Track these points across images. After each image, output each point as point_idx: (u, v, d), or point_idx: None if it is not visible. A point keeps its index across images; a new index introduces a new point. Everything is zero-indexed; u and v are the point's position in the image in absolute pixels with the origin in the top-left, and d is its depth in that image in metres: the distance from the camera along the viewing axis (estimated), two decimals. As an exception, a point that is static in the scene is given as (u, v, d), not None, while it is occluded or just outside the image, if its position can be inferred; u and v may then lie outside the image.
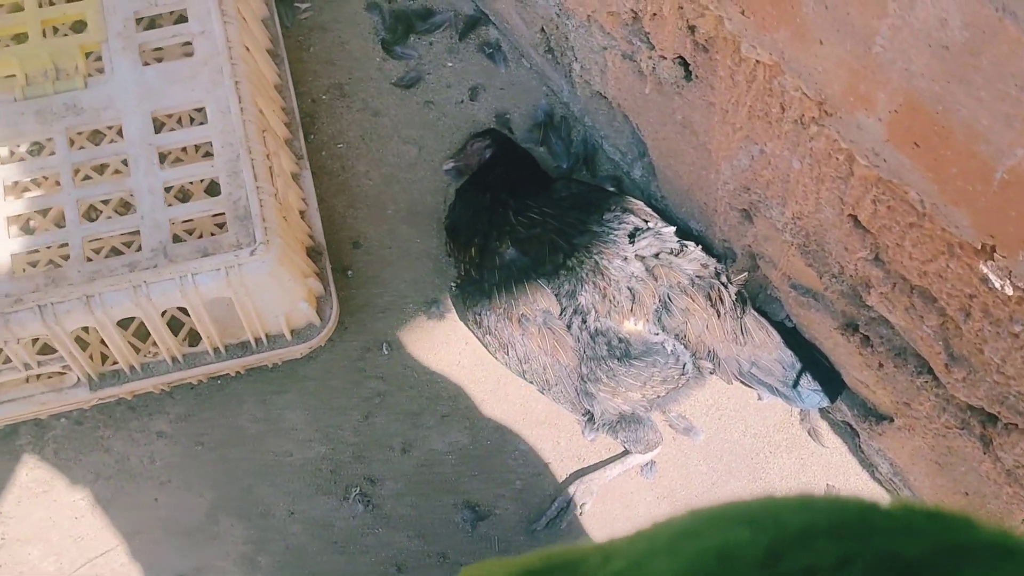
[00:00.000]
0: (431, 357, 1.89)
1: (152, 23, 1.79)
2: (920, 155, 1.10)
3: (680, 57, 1.49)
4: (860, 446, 1.80)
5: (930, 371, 1.45)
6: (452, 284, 1.93)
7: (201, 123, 1.54)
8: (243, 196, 1.47)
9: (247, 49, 1.61)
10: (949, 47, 0.95)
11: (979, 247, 1.12)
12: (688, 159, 1.68)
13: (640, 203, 1.85)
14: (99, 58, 1.57)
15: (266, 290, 1.50)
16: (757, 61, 1.28)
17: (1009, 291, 1.12)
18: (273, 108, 1.68)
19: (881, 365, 1.55)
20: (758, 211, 1.58)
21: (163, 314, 1.51)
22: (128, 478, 1.79)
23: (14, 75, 1.54)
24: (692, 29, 1.39)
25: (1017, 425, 1.32)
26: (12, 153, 1.75)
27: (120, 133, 1.52)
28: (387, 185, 2.00)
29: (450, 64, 2.08)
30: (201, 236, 1.73)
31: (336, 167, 1.99)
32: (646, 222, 1.79)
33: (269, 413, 1.83)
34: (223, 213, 1.49)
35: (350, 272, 1.91)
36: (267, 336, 1.63)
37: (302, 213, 1.72)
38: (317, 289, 1.62)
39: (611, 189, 1.96)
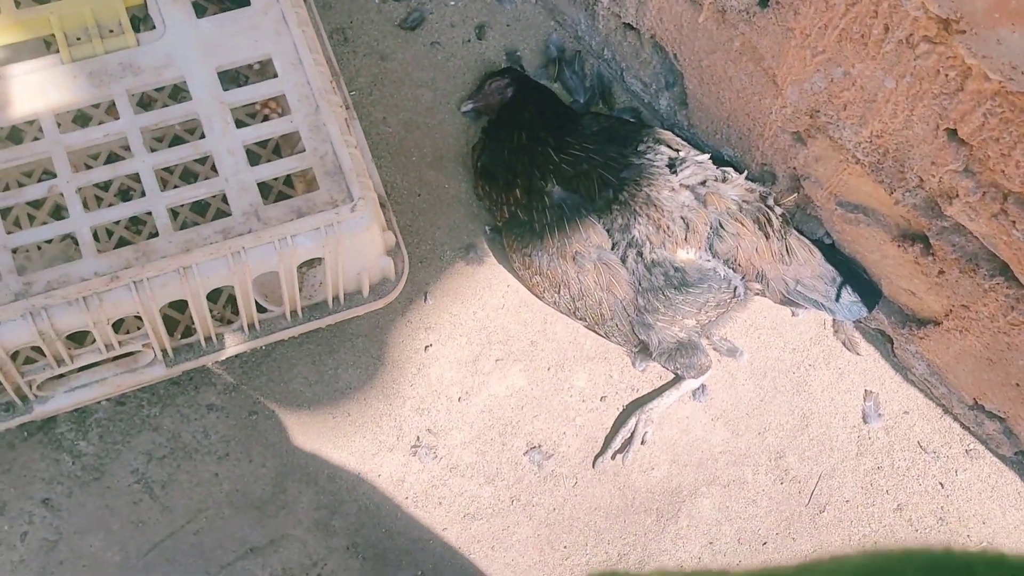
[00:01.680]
0: (475, 303, 1.87)
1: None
2: (1069, 66, 1.15)
3: (757, -17, 1.50)
4: (894, 351, 1.90)
5: (1004, 273, 1.53)
6: (487, 228, 1.90)
7: (271, 76, 1.45)
8: (329, 151, 1.41)
9: (296, -4, 1.52)
10: None
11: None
12: (737, 85, 1.70)
13: (669, 133, 1.86)
14: (146, 13, 1.46)
15: (359, 247, 1.44)
16: (869, -16, 1.30)
17: None
18: (322, 56, 1.60)
19: (942, 272, 1.63)
20: (819, 132, 1.62)
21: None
22: (184, 455, 1.71)
23: (54, 35, 1.41)
24: (785, -46, 1.40)
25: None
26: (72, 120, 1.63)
27: (186, 91, 1.42)
28: (407, 131, 1.94)
29: (452, 2, 2.03)
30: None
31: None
32: (678, 151, 1.81)
33: (322, 374, 1.78)
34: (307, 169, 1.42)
35: (383, 223, 1.86)
36: (344, 294, 1.57)
37: (358, 165, 1.66)
38: (390, 240, 1.57)
39: (634, 121, 1.97)
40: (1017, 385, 1.69)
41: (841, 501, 1.83)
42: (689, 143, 1.87)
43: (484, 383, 1.82)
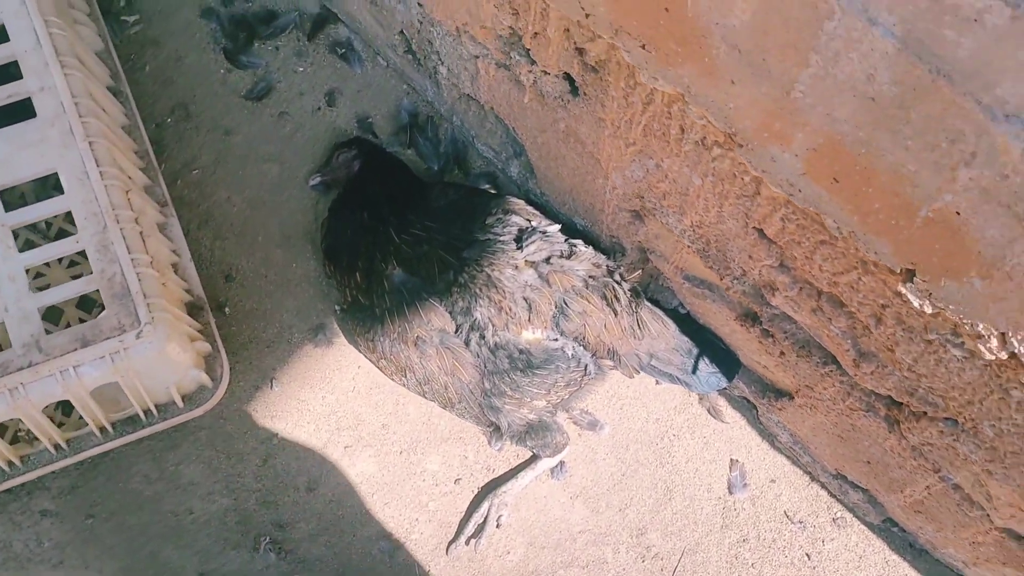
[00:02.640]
0: (325, 387, 1.82)
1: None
2: (839, 189, 1.09)
3: (566, 73, 1.44)
4: (759, 419, 1.85)
5: (836, 362, 1.48)
6: (337, 308, 1.85)
7: (54, 193, 1.40)
8: (118, 271, 1.35)
9: (92, 97, 1.46)
10: (876, 99, 0.94)
11: (898, 271, 1.13)
12: (572, 164, 1.65)
13: (521, 202, 1.80)
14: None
15: (155, 368, 1.39)
16: (655, 89, 1.24)
17: (928, 309, 1.14)
18: (128, 156, 1.54)
19: (783, 354, 1.58)
20: (651, 215, 1.57)
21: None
22: (16, 567, 1.67)
23: None
24: (581, 51, 1.34)
25: (927, 413, 1.37)
26: None
27: (-38, 214, 1.37)
28: (253, 210, 1.88)
29: (301, 69, 1.96)
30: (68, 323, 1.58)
31: (194, 196, 1.86)
32: (529, 221, 1.76)
33: (163, 471, 1.73)
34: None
35: (227, 309, 1.81)
36: (157, 407, 1.52)
37: (175, 266, 1.60)
38: (204, 349, 1.52)
39: (488, 188, 1.91)
40: (868, 462, 1.64)
41: (705, 577, 1.79)
42: (543, 211, 1.81)
43: (332, 471, 1.78)
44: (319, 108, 1.95)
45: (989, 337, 1.09)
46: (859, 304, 1.28)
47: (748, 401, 1.85)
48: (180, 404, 1.55)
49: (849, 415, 1.55)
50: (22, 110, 1.43)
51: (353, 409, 1.81)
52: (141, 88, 1.90)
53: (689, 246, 1.53)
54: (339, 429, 1.80)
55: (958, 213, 0.97)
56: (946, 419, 1.34)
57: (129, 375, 1.36)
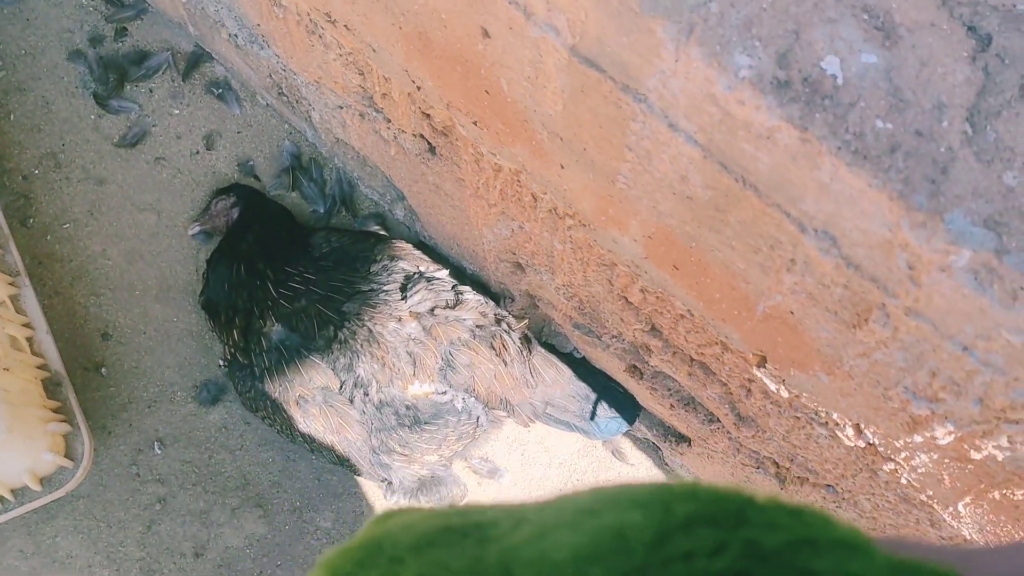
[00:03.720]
0: (211, 446, 1.75)
1: None
2: (681, 276, 1.03)
3: (420, 133, 1.36)
4: (664, 460, 1.79)
5: (721, 421, 1.42)
6: (221, 362, 1.77)
7: None
8: (-53, 364, 1.27)
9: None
10: (693, 199, 0.88)
11: (750, 355, 1.07)
12: (448, 215, 1.57)
13: (408, 246, 1.73)
14: None
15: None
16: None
17: (784, 394, 1.08)
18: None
19: (672, 407, 1.52)
20: (528, 269, 1.50)
21: None
22: None
23: None
24: (427, 115, 1.26)
25: (808, 478, 1.31)
26: None
27: None
28: (130, 263, 1.80)
29: (177, 111, 1.87)
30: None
31: (67, 251, 1.78)
32: (417, 267, 1.68)
33: (39, 545, 1.66)
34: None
35: (104, 369, 1.73)
36: (13, 491, 1.45)
37: (30, 340, 1.52)
38: (62, 429, 1.44)
39: (378, 230, 1.83)
40: (769, 511, 1.58)
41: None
42: (432, 255, 1.74)
43: (220, 535, 1.71)
44: (198, 152, 1.86)
45: (845, 425, 1.03)
46: (727, 375, 1.22)
47: (652, 443, 1.79)
48: (37, 488, 1.48)
49: (742, 469, 1.50)
50: None
51: (241, 468, 1.74)
52: (7, 137, 1.80)
53: (566, 303, 1.46)
54: (226, 490, 1.73)
55: (792, 312, 0.91)
56: (827, 486, 1.28)
57: (-32, 472, 1.29)
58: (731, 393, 1.27)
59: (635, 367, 1.53)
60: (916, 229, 0.69)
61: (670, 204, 0.91)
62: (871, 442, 1.02)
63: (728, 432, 1.42)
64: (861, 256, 0.76)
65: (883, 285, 0.76)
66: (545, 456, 1.80)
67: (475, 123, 1.10)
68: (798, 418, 1.15)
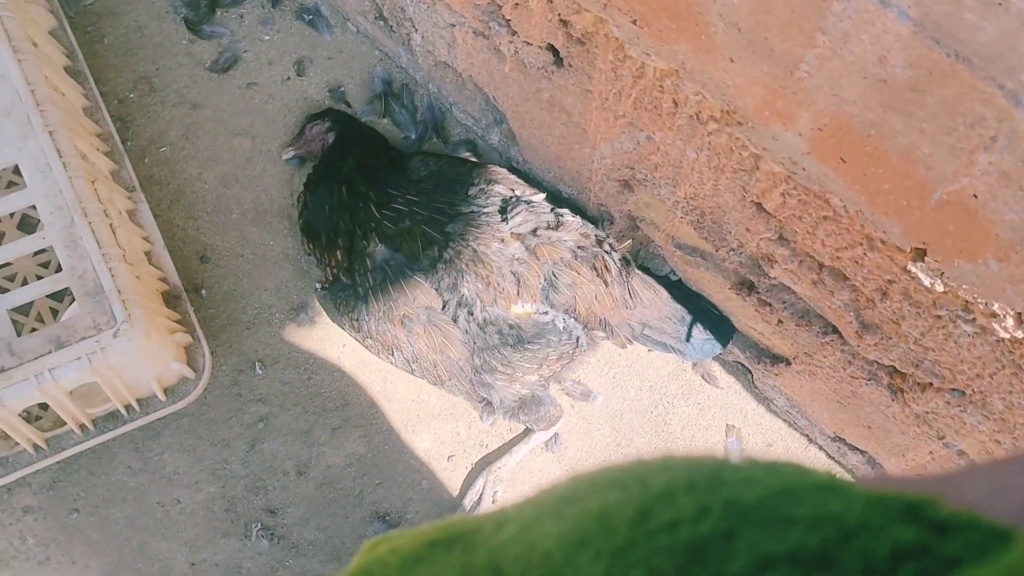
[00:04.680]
0: (309, 368, 1.77)
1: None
2: (847, 169, 1.04)
3: (549, 44, 1.37)
4: (754, 383, 1.82)
5: (836, 331, 1.44)
6: (318, 285, 1.79)
7: (16, 186, 1.33)
8: (89, 267, 1.29)
9: (49, 81, 1.38)
10: (888, 81, 0.89)
11: (908, 250, 1.09)
12: (557, 133, 1.58)
13: (503, 171, 1.74)
14: None
15: (134, 364, 1.33)
16: (646, 63, 1.18)
17: (940, 288, 1.10)
18: (91, 141, 1.47)
19: (781, 323, 1.54)
20: (642, 185, 1.51)
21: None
22: (0, 565, 1.62)
23: None
24: (565, 23, 1.27)
25: (932, 384, 1.33)
26: None
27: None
28: (226, 186, 1.81)
29: (267, 37, 1.87)
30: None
31: (164, 174, 1.79)
32: (513, 191, 1.70)
33: (147, 462, 1.68)
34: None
35: (204, 291, 1.75)
36: (139, 402, 1.47)
37: (148, 254, 1.53)
38: (184, 340, 1.46)
39: (469, 157, 1.84)
40: (869, 427, 1.61)
41: (704, 544, 1.76)
42: (526, 179, 1.75)
43: (321, 454, 1.74)
44: (289, 78, 1.87)
45: (1005, 316, 1.05)
46: (863, 279, 1.24)
47: (743, 366, 1.82)
48: (163, 398, 1.50)
49: (850, 383, 1.52)
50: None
51: (340, 389, 1.77)
52: (102, 61, 1.81)
53: (682, 217, 1.48)
54: (326, 410, 1.75)
55: (975, 196, 0.93)
56: (953, 390, 1.30)
57: (108, 374, 1.31)
58: (860, 299, 1.29)
59: (745, 282, 1.55)
60: None
61: (857, 90, 0.93)
62: (1032, 332, 1.04)
63: (845, 343, 1.43)
64: (1080, 125, 0.77)
65: (1098, 155, 0.78)
66: (636, 379, 1.83)
67: (634, 22, 1.11)
68: (939, 316, 1.17)
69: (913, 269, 1.10)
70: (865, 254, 1.18)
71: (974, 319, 1.11)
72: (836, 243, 1.21)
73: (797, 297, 1.45)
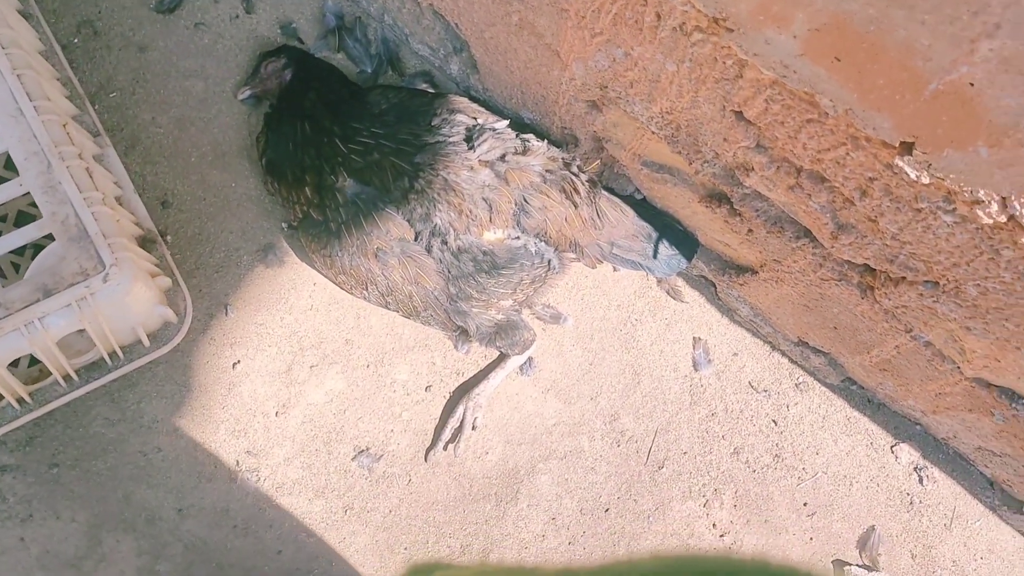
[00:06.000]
0: (281, 308, 1.76)
1: None
2: (841, 68, 1.08)
3: (521, -38, 1.37)
4: (718, 296, 1.87)
5: (809, 235, 1.49)
6: (284, 225, 1.78)
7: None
8: (70, 213, 1.26)
9: (7, 23, 1.34)
10: (889, -26, 0.92)
11: (896, 144, 1.13)
12: (523, 57, 1.59)
13: (464, 99, 1.75)
14: None
15: (122, 310, 1.31)
16: (631, -25, 1.20)
17: (926, 180, 1.15)
18: (53, 85, 1.43)
19: (751, 231, 1.59)
20: (613, 104, 1.53)
21: None
22: (-16, 525, 1.59)
23: None
24: (542, -61, 1.27)
25: (905, 278, 1.39)
26: None
27: None
28: (181, 130, 1.77)
29: (212, -26, 1.83)
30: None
31: (116, 120, 1.74)
32: (475, 119, 1.70)
33: (124, 412, 1.66)
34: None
35: (168, 237, 1.71)
36: (123, 349, 1.45)
37: (119, 199, 1.50)
38: (165, 284, 1.44)
39: (426, 88, 1.84)
40: (835, 328, 1.68)
41: (679, 454, 1.82)
42: (487, 107, 1.76)
43: (301, 392, 1.73)
44: (237, 16, 1.83)
45: (989, 202, 1.11)
46: (844, 179, 1.28)
47: (707, 279, 1.87)
48: (147, 343, 1.48)
49: (819, 285, 1.58)
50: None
51: (314, 327, 1.76)
52: (41, 5, 1.74)
53: (655, 132, 1.50)
54: (302, 349, 1.75)
55: (972, 84, 0.97)
56: (926, 282, 1.37)
57: (97, 321, 1.28)
58: (838, 200, 1.34)
59: (716, 195, 1.59)
60: None
61: (858, -16, 0.96)
62: (1015, 214, 1.10)
63: (817, 246, 1.49)
64: (1085, 3, 0.82)
65: (1101, 31, 0.83)
66: (604, 300, 1.86)
67: (624, -69, 1.12)
68: (920, 209, 1.22)
69: (900, 163, 1.15)
70: (848, 154, 1.22)
71: (955, 209, 1.17)
72: (818, 145, 1.25)
73: (771, 204, 1.50)
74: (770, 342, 1.88)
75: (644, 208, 1.78)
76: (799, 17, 1.05)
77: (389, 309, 1.70)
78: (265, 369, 1.73)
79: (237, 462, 1.69)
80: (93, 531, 1.63)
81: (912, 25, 0.96)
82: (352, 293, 1.71)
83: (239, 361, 1.72)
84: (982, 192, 1.10)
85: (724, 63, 1.23)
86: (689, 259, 1.80)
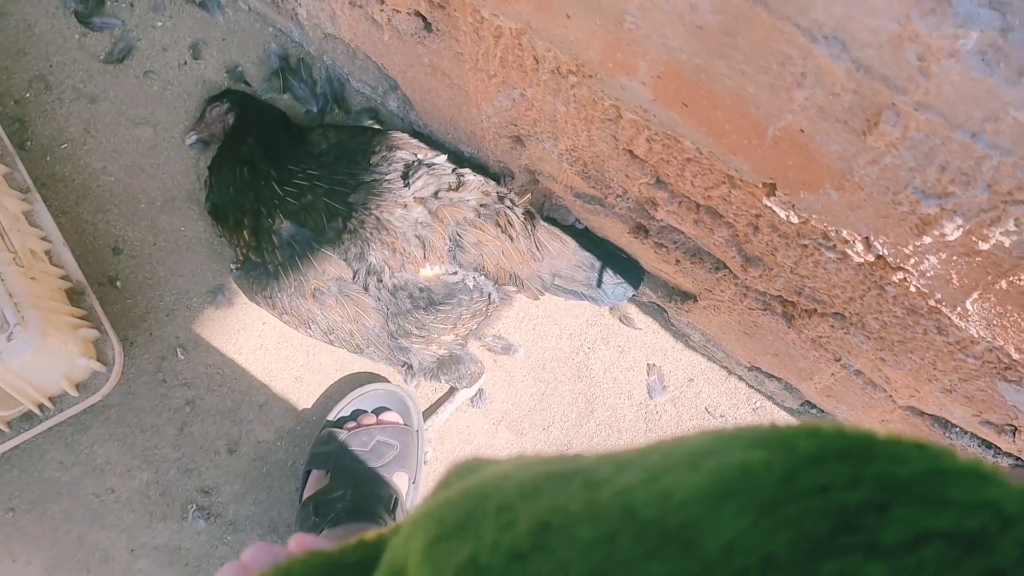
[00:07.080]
0: (232, 348, 1.79)
1: None
2: (690, 113, 1.07)
3: (416, 10, 1.38)
4: (671, 321, 1.86)
5: (726, 267, 1.48)
6: (232, 266, 1.81)
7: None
8: (-21, 274, 1.31)
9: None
10: (703, 27, 0.91)
11: (760, 186, 1.12)
12: (445, 96, 1.60)
13: (404, 136, 1.76)
14: None
15: (38, 364, 1.36)
16: (501, 24, 1.20)
17: (794, 220, 1.13)
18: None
19: (678, 262, 1.58)
20: (530, 140, 1.54)
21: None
22: (-57, 568, 1.66)
23: None
24: (423, -11, 1.29)
25: (816, 309, 1.37)
26: None
27: None
28: (131, 177, 1.82)
29: (160, 24, 1.88)
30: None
31: (68, 171, 1.80)
32: (415, 155, 1.72)
33: (78, 455, 1.71)
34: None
35: (118, 282, 1.76)
36: (52, 399, 1.50)
37: (48, 253, 1.55)
38: (91, 335, 1.48)
39: (371, 124, 1.86)
40: (776, 355, 1.66)
41: (634, 482, 1.81)
42: (428, 142, 1.77)
43: (250, 431, 1.77)
44: (185, 62, 1.87)
45: (854, 242, 1.09)
46: (735, 215, 1.27)
47: (658, 306, 1.85)
48: (74, 393, 1.52)
49: (749, 314, 1.56)
50: None
51: (264, 367, 1.80)
52: (-6, 64, 1.81)
53: (568, 168, 1.50)
54: (252, 388, 1.78)
55: (802, 131, 0.96)
56: (834, 314, 1.34)
57: (8, 377, 1.33)
58: (738, 234, 1.33)
59: (640, 226, 1.59)
60: (925, 17, 0.73)
61: (680, 38, 0.95)
62: (880, 254, 1.07)
63: (735, 277, 1.47)
64: (871, 57, 0.80)
65: (893, 83, 0.81)
66: (556, 329, 1.86)
67: (477, -15, 1.13)
68: (805, 246, 1.21)
69: (768, 204, 1.14)
70: (730, 192, 1.21)
71: (834, 246, 1.15)
72: (704, 183, 1.24)
73: (686, 236, 1.49)
74: (725, 367, 1.86)
75: (586, 238, 1.78)
76: (641, 65, 1.05)
77: (335, 346, 1.73)
78: (215, 408, 1.77)
79: (189, 501, 1.73)
80: (48, 572, 1.68)
81: (735, 75, 0.95)
82: (298, 331, 1.74)
83: (190, 401, 1.76)
84: (845, 232, 1.08)
85: (603, 104, 1.23)
86: (636, 287, 1.79)
